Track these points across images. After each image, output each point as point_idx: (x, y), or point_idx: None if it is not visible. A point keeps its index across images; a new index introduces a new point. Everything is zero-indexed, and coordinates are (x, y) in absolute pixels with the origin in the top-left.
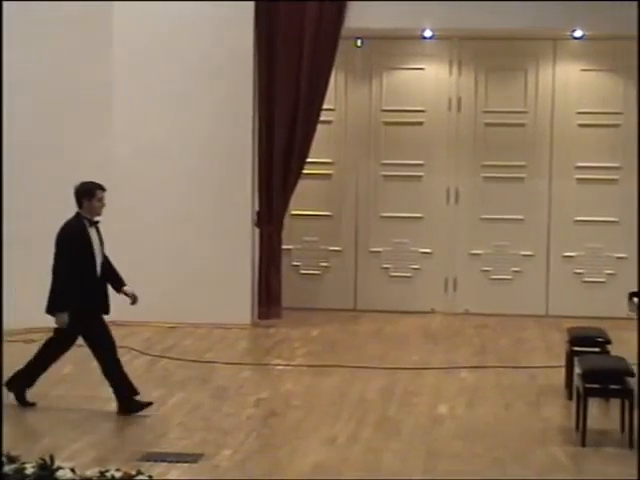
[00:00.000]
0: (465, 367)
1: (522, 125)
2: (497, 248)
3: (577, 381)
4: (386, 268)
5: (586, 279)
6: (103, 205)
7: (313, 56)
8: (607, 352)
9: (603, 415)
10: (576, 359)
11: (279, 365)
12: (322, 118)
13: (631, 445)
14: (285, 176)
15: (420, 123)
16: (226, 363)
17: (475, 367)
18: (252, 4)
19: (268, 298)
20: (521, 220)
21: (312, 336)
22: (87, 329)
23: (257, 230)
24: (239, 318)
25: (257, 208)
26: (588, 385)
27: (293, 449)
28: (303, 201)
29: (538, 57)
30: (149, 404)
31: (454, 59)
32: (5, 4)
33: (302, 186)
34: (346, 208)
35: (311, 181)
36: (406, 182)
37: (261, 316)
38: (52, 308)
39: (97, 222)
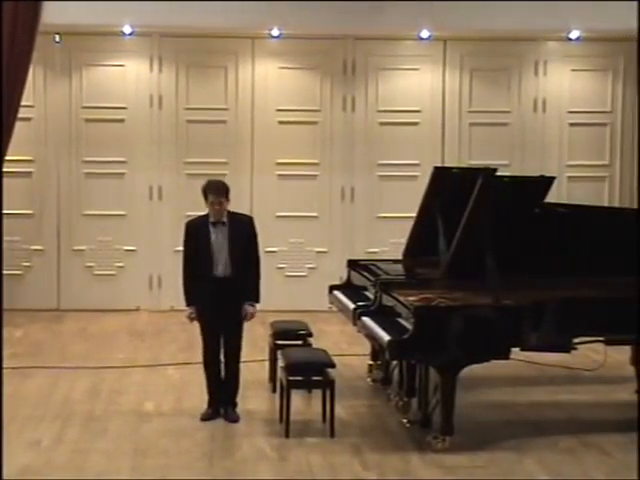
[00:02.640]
0: (172, 364)
1: (223, 122)
2: None
3: (280, 374)
4: (90, 267)
5: (288, 273)
6: (216, 210)
7: (9, 54)
8: (309, 345)
9: (306, 406)
10: (279, 352)
11: None
12: (21, 115)
13: (332, 435)
14: None
15: (121, 120)
16: None
17: (182, 364)
18: None
19: None
20: None
21: (15, 337)
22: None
23: None
24: None
25: None
26: (291, 377)
27: None
28: (3, 200)
29: (238, 55)
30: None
31: (155, 56)
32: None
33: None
34: (48, 206)
35: (11, 179)
36: (109, 179)
37: None
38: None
39: (224, 222)
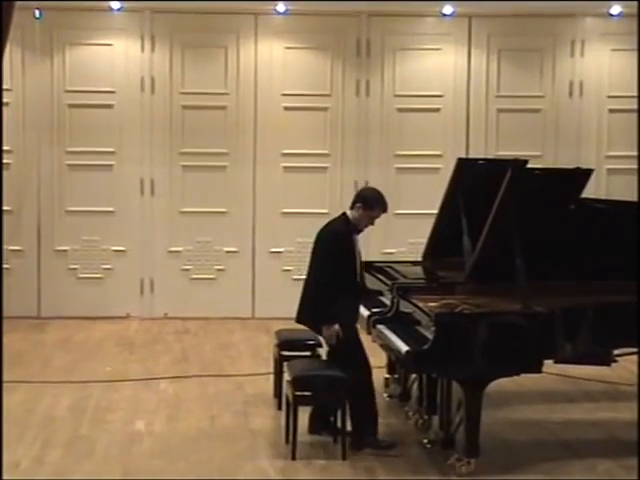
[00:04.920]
0: (165, 377)
1: (223, 108)
2: (198, 244)
3: (287, 388)
4: (74, 269)
5: (295, 277)
6: (371, 224)
7: None
8: (318, 356)
9: None
10: (285, 364)
11: None
12: None
13: (344, 457)
14: None
15: (110, 106)
16: None
17: (176, 377)
18: None
19: None
20: (224, 213)
21: None
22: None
23: None
24: None
25: None
26: (298, 392)
27: None
28: None
29: (239, 33)
30: (393, 445)
31: (146, 34)
32: None
33: None
34: (27, 202)
35: None
36: (96, 172)
37: None
38: (318, 321)
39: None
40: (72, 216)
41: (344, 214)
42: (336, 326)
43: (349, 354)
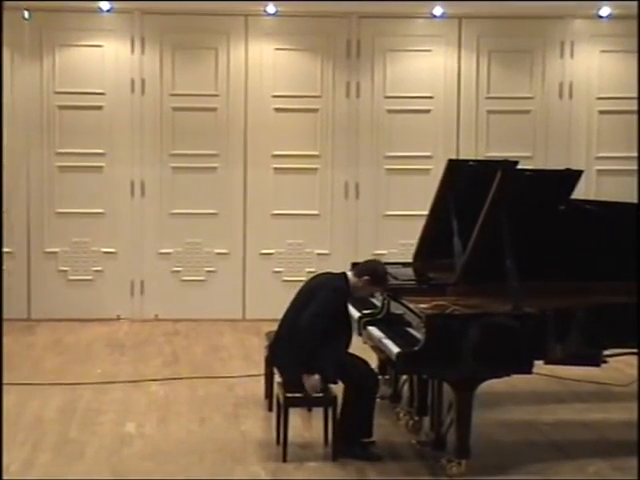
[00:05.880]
0: (156, 380)
1: (213, 109)
2: (189, 246)
3: (277, 390)
4: (64, 271)
5: (285, 278)
6: (369, 296)
7: None
8: None
9: (306, 427)
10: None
11: None
12: None
13: (334, 458)
14: None
15: (99, 107)
16: None
17: (167, 379)
18: None
19: None
20: (215, 214)
21: None
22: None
23: None
24: None
25: None
26: (289, 394)
27: None
28: None
29: (229, 34)
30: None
31: (136, 35)
32: None
33: None
34: (17, 204)
35: None
36: (85, 173)
37: None
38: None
39: None
40: (62, 218)
41: (344, 274)
42: (317, 376)
43: (351, 371)
